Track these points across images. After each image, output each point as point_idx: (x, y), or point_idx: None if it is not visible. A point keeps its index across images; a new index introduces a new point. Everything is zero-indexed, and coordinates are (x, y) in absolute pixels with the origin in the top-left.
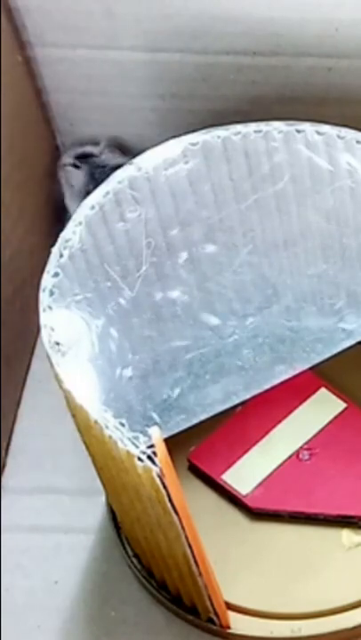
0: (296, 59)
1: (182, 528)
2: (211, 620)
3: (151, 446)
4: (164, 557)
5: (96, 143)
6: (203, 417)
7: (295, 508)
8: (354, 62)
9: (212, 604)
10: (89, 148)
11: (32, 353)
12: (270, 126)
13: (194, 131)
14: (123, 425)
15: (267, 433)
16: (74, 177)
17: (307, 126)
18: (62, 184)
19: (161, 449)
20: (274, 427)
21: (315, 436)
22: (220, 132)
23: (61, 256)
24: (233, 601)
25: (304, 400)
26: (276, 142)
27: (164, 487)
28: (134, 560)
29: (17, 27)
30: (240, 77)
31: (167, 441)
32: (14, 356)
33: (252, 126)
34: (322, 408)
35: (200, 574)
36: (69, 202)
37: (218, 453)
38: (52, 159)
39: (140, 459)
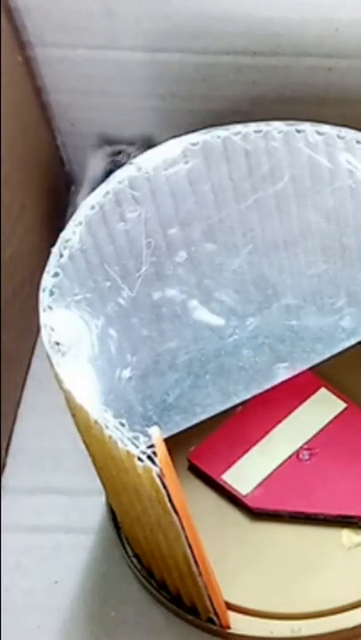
0: (296, 59)
1: (182, 528)
2: (211, 620)
3: (151, 446)
4: (164, 557)
5: (131, 143)
6: (203, 417)
7: (295, 507)
8: (354, 62)
9: (212, 604)
10: (123, 147)
11: (32, 353)
12: (270, 126)
13: (194, 131)
14: (123, 425)
15: (267, 433)
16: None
17: (307, 126)
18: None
19: (161, 449)
20: (274, 427)
21: (315, 436)
22: (220, 132)
23: (61, 256)
24: (233, 601)
25: (304, 400)
26: (276, 142)
27: (164, 487)
28: (134, 560)
29: (17, 27)
30: (240, 77)
31: (167, 441)
32: (14, 356)
33: (252, 126)
34: (322, 408)
35: (200, 574)
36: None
37: (218, 453)
38: (52, 159)
39: (140, 459)
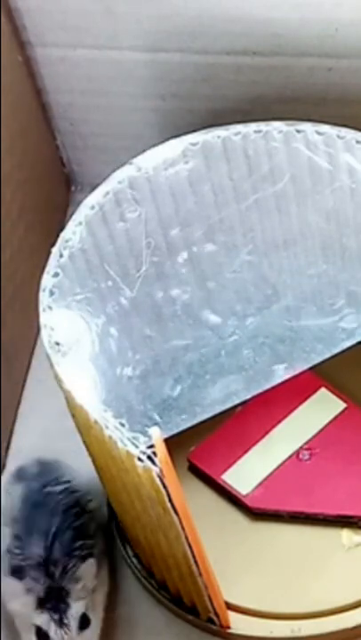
0: (296, 59)
1: (182, 528)
2: (211, 620)
3: (151, 446)
4: (164, 557)
5: None
6: (203, 417)
7: (295, 507)
8: (354, 62)
9: (212, 604)
10: None
11: (32, 353)
12: (270, 126)
13: (194, 131)
14: (123, 425)
15: (267, 433)
16: None
17: (307, 126)
18: None
19: (161, 449)
20: (274, 427)
21: (315, 436)
22: (220, 132)
23: (61, 256)
24: (233, 601)
25: (304, 400)
26: (276, 142)
27: (164, 487)
28: (134, 560)
29: (17, 27)
30: (240, 77)
31: (167, 441)
32: (14, 356)
33: (252, 126)
34: (322, 408)
35: (200, 574)
36: None
37: (218, 453)
38: (52, 159)
39: (140, 459)
